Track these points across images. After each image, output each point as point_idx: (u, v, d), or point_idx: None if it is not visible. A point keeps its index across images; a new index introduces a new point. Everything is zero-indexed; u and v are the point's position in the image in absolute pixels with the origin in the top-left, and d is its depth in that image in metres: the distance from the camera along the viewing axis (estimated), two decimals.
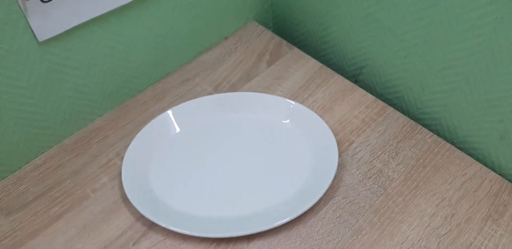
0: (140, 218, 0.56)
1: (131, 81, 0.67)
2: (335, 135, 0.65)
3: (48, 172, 0.60)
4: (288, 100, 0.66)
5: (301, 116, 0.65)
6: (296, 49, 0.76)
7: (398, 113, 0.68)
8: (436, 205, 0.58)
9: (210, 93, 0.69)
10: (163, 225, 0.53)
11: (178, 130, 0.64)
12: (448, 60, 0.61)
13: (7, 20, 0.47)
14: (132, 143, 0.60)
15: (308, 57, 0.75)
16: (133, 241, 0.54)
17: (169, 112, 0.64)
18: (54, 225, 0.55)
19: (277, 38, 0.78)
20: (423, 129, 0.66)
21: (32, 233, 0.55)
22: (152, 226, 0.55)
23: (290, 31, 0.84)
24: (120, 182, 0.59)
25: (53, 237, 0.54)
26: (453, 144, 0.66)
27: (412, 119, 0.68)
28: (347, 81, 0.72)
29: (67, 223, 0.55)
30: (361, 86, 0.72)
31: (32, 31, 0.50)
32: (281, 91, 0.70)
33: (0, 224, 0.55)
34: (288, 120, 0.66)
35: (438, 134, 0.66)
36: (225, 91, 0.69)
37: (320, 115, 0.67)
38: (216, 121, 0.66)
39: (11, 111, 0.55)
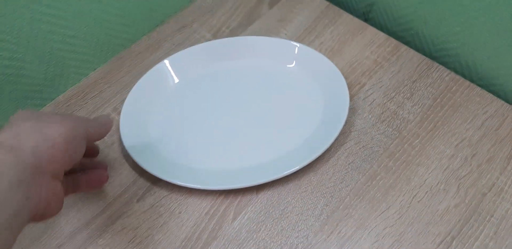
0: (143, 173, 0.54)
1: (123, 30, 0.63)
2: (345, 78, 0.61)
3: None
4: (292, 42, 0.62)
5: (307, 59, 0.61)
6: None
7: (412, 52, 0.64)
8: (455, 146, 0.55)
9: (209, 40, 0.65)
10: (167, 180, 0.51)
11: (176, 80, 0.61)
12: None
13: None
14: (128, 96, 0.58)
15: None
16: (137, 197, 0.53)
17: (166, 61, 0.61)
18: None
19: None
20: (440, 66, 0.62)
21: None
22: (156, 181, 0.53)
23: None
24: (120, 138, 0.57)
25: None
26: (472, 81, 0.62)
27: (428, 57, 0.64)
28: (356, 20, 0.68)
29: None
30: (372, 25, 0.67)
31: None
32: (285, 34, 0.66)
33: None
34: (293, 64, 0.62)
35: (456, 72, 0.62)
36: (224, 37, 0.65)
37: (329, 58, 0.63)
38: (217, 70, 0.62)
39: None
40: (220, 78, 0.62)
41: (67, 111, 0.60)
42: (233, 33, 0.66)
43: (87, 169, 0.47)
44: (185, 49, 0.62)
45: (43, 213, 0.37)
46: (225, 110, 0.58)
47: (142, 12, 0.64)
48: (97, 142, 0.56)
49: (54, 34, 0.55)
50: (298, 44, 0.62)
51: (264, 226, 0.50)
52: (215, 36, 0.66)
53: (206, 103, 0.59)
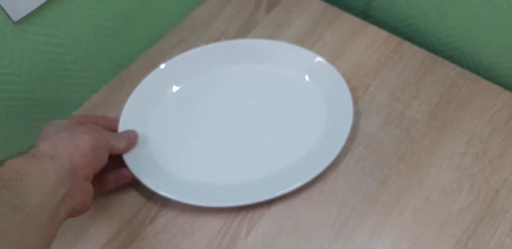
0: (152, 195, 0.57)
1: (121, 50, 0.67)
2: (349, 80, 0.63)
3: None
4: (291, 45, 0.64)
5: (307, 63, 0.64)
6: None
7: (415, 48, 0.66)
8: (465, 143, 0.58)
9: None
10: (178, 200, 0.54)
11: (174, 88, 0.64)
12: None
13: None
14: (123, 113, 0.60)
15: None
16: (149, 219, 0.56)
17: (162, 66, 0.64)
18: None
19: None
20: (445, 61, 0.65)
21: None
22: (166, 201, 0.57)
23: None
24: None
25: (64, 226, 0.56)
26: (478, 74, 0.64)
27: (431, 52, 0.66)
28: (356, 19, 0.70)
29: None
30: (372, 22, 0.70)
31: (4, 11, 0.49)
32: (285, 39, 0.69)
33: None
34: (293, 70, 0.64)
35: (461, 65, 0.64)
36: None
37: (331, 61, 0.65)
38: (213, 75, 0.65)
39: (2, 101, 0.56)
40: (218, 84, 0.64)
41: None
42: None
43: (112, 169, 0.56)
44: (180, 55, 0.65)
45: (80, 208, 0.46)
46: (227, 121, 0.61)
47: (138, 30, 0.67)
48: None
49: (54, 62, 0.59)
50: (298, 48, 0.64)
51: (278, 239, 0.53)
52: None
53: (207, 114, 0.62)
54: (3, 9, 0.49)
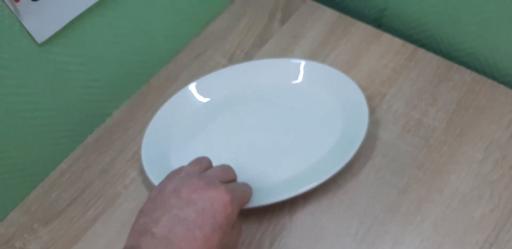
0: None
1: (141, 66, 0.68)
2: (365, 89, 0.64)
3: (76, 175, 0.62)
4: (295, 60, 0.66)
5: (319, 75, 0.64)
6: (309, 1, 0.74)
7: (430, 55, 0.66)
8: (485, 149, 0.58)
9: (225, 65, 0.69)
10: None
11: (199, 102, 0.66)
12: None
13: (1, 27, 0.48)
14: (147, 133, 0.62)
15: (324, 7, 0.74)
16: None
17: (192, 85, 0.66)
18: (92, 228, 0.58)
19: None
20: (460, 67, 0.65)
21: (72, 239, 0.58)
22: None
23: None
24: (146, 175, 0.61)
25: (93, 241, 0.57)
26: (494, 79, 0.63)
27: (446, 58, 0.66)
28: (370, 28, 0.70)
29: (104, 224, 0.58)
30: (386, 30, 0.70)
31: (29, 34, 0.50)
32: (300, 51, 0.69)
33: (40, 235, 0.59)
34: (303, 81, 0.65)
35: (477, 71, 0.64)
36: (240, 61, 0.69)
37: (346, 71, 0.66)
38: (232, 92, 0.66)
39: (27, 120, 0.57)
40: (237, 101, 0.65)
41: (96, 153, 0.64)
42: (248, 55, 0.70)
43: None
44: (204, 76, 0.66)
45: None
46: (249, 130, 0.62)
47: (157, 46, 0.68)
48: (129, 180, 0.61)
49: (77, 80, 0.60)
50: (304, 62, 0.65)
51: None
52: (231, 60, 0.70)
53: (227, 126, 0.63)
54: (28, 32, 0.50)
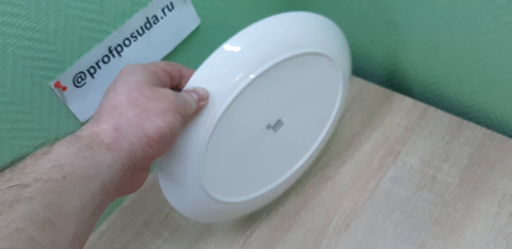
0: None
1: None
2: (380, 148, 0.67)
3: (113, 237, 0.66)
4: None
5: None
6: None
7: (441, 112, 0.69)
8: (498, 203, 0.59)
9: None
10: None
11: None
12: (479, 52, 0.62)
13: (51, 112, 0.52)
14: None
15: None
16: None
17: None
18: None
19: None
20: (470, 123, 0.67)
21: None
22: None
23: None
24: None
25: None
26: (504, 133, 0.66)
27: (457, 115, 0.69)
28: (381, 89, 0.74)
29: None
30: (397, 89, 0.73)
31: (74, 115, 0.55)
32: None
33: None
34: None
35: (487, 126, 0.67)
36: None
37: (360, 130, 0.69)
38: None
39: None
40: None
41: (131, 216, 0.67)
42: None
43: None
44: None
45: (126, 192, 0.42)
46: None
47: None
48: (161, 241, 0.64)
49: None
50: None
51: None
52: None
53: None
54: (73, 114, 0.55)
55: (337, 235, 0.60)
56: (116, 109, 0.39)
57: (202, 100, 0.45)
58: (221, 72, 0.47)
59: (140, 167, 0.40)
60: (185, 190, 0.51)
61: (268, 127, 0.53)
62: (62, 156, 0.34)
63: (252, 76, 0.47)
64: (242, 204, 0.56)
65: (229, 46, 0.47)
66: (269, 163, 0.57)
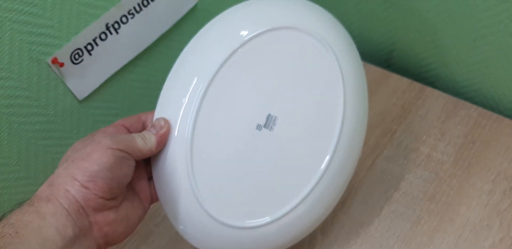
0: None
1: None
2: (376, 127, 0.67)
3: None
4: None
5: None
6: None
7: (437, 92, 0.69)
8: (492, 181, 0.59)
9: None
10: None
11: None
12: (476, 30, 0.62)
13: (48, 88, 0.52)
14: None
15: None
16: None
17: None
18: None
19: None
20: (466, 103, 0.67)
21: None
22: None
23: None
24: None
25: None
26: (500, 112, 0.66)
27: (454, 95, 0.69)
28: (379, 69, 0.74)
29: None
30: (395, 70, 0.73)
31: (72, 93, 0.55)
32: None
33: None
34: None
35: (484, 106, 0.67)
36: None
37: None
38: None
39: None
40: None
41: None
42: None
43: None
44: None
45: (110, 240, 0.42)
46: None
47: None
48: (160, 219, 0.64)
49: None
50: None
51: None
52: None
53: None
54: (70, 91, 0.55)
55: (333, 212, 0.60)
56: (58, 167, 0.42)
57: (161, 129, 0.45)
58: (176, 87, 0.49)
59: (93, 209, 0.40)
60: (187, 215, 0.47)
61: (259, 126, 0.46)
62: (10, 217, 0.37)
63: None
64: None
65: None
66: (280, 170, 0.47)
